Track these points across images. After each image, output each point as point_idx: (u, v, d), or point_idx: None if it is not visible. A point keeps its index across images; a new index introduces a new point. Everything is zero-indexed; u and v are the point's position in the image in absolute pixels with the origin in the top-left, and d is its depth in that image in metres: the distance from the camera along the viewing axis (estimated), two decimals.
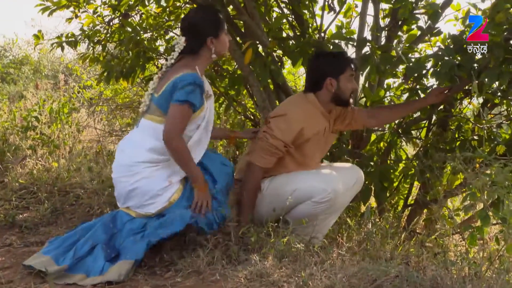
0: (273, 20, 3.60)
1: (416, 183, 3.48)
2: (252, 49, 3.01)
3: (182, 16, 3.38)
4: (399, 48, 2.91)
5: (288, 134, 2.62)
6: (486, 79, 2.57)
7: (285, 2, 3.67)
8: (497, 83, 2.81)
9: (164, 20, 3.96)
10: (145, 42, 3.71)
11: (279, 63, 3.48)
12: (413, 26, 3.23)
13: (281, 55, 3.53)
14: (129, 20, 3.73)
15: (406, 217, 3.42)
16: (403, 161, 3.44)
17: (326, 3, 3.43)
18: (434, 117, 3.30)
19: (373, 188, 3.18)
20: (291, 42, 3.30)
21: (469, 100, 3.26)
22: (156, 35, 3.95)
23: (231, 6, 3.42)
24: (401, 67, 3.05)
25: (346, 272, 1.98)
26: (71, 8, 3.76)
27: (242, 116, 4.26)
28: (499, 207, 2.19)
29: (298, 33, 3.50)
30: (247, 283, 2.01)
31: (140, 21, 3.92)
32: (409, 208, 3.48)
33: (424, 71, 2.88)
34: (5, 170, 3.82)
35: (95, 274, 2.21)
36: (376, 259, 2.21)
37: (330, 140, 2.86)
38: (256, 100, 3.34)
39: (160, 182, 2.38)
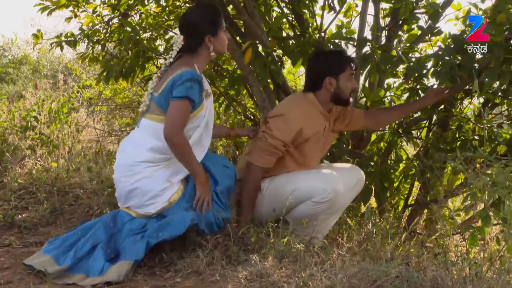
0: (273, 19, 3.60)
1: (416, 183, 3.47)
2: (252, 48, 3.01)
3: None
4: (399, 48, 2.91)
5: (287, 134, 2.61)
6: (487, 79, 2.57)
7: (285, 1, 3.66)
8: (497, 83, 2.80)
9: (163, 19, 3.95)
10: (145, 41, 3.70)
11: (279, 63, 3.48)
12: (414, 26, 3.22)
13: (281, 55, 3.53)
14: (129, 19, 3.73)
15: (406, 217, 3.42)
16: (404, 161, 3.44)
17: (326, 2, 3.42)
18: (434, 117, 3.30)
19: (373, 188, 3.17)
20: (291, 42, 3.29)
21: (470, 100, 3.25)
22: (155, 34, 3.95)
23: (231, 6, 3.42)
24: (401, 67, 3.04)
25: (346, 273, 1.98)
26: (71, 8, 3.76)
27: (242, 116, 4.25)
28: (500, 207, 2.19)
29: (298, 33, 3.49)
30: (247, 283, 2.00)
31: (140, 21, 3.91)
32: (410, 208, 3.47)
33: (424, 71, 2.88)
34: (4, 170, 3.81)
35: (94, 275, 2.20)
36: (377, 260, 2.20)
37: (330, 139, 2.86)
38: (256, 100, 3.34)
39: (161, 182, 2.37)
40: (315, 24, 3.57)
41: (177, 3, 3.83)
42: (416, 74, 2.90)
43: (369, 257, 2.25)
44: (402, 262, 2.17)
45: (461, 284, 1.85)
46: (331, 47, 3.06)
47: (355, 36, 3.23)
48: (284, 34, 3.53)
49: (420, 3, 3.04)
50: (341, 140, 3.31)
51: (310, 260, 2.13)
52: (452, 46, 2.75)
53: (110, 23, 3.83)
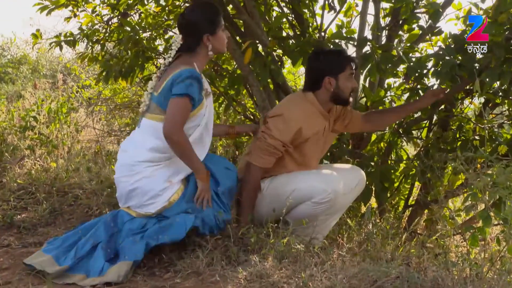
0: (273, 19, 3.59)
1: (417, 184, 3.47)
2: (252, 48, 3.00)
3: None
4: (400, 48, 2.90)
5: (286, 134, 2.60)
6: (487, 79, 2.56)
7: (285, 1, 3.66)
8: (498, 83, 2.80)
9: (163, 19, 3.94)
10: (144, 41, 3.70)
11: (279, 63, 3.47)
12: (414, 26, 3.22)
13: (281, 55, 3.52)
14: (128, 19, 3.72)
15: (407, 218, 3.42)
16: (404, 161, 3.43)
17: (327, 2, 3.41)
18: (435, 117, 3.29)
19: (373, 189, 3.17)
20: (291, 42, 3.28)
21: (470, 100, 3.25)
22: (155, 34, 3.94)
23: (230, 5, 3.41)
24: (402, 67, 3.03)
25: (346, 273, 1.97)
26: (70, 7, 3.75)
27: (242, 116, 4.25)
28: (501, 208, 2.18)
29: (298, 33, 3.48)
30: (247, 284, 2.00)
31: (139, 20, 3.91)
32: (410, 208, 3.47)
33: (425, 71, 2.87)
34: (3, 171, 3.80)
35: (94, 275, 2.20)
36: (377, 260, 2.20)
37: (329, 139, 2.85)
38: (256, 100, 3.33)
39: (161, 182, 2.37)
40: (315, 23, 3.56)
41: (177, 3, 3.82)
42: (417, 74, 2.89)
43: (369, 258, 2.25)
44: (402, 263, 2.16)
45: (462, 284, 1.84)
46: (331, 46, 3.06)
47: (355, 36, 3.23)
48: (284, 34, 3.52)
49: (420, 2, 3.04)
50: (341, 140, 3.31)
51: (310, 261, 2.13)
52: (452, 46, 2.74)
53: (110, 22, 3.83)
